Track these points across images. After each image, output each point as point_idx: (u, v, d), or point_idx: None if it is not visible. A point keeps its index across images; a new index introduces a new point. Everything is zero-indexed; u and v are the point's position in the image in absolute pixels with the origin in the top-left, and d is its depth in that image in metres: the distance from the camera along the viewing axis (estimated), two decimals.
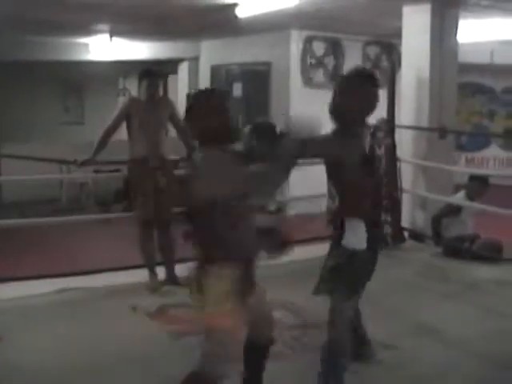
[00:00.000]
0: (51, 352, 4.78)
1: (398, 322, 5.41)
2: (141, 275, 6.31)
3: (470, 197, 7.66)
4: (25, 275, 6.60)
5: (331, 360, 3.98)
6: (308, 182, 9.93)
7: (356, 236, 3.87)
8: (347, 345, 4.02)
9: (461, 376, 4.48)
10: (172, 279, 6.33)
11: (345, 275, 3.90)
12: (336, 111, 3.99)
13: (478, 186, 7.68)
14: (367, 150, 3.97)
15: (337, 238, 3.94)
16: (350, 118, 3.98)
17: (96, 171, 10.05)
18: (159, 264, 6.38)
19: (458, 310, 5.76)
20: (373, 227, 3.93)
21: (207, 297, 3.25)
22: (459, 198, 7.83)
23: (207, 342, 3.32)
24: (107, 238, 9.62)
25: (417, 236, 8.18)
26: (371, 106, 4.04)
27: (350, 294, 3.96)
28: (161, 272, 6.35)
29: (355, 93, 3.95)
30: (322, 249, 7.65)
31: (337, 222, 3.96)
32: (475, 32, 10.14)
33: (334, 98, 4.02)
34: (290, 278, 6.29)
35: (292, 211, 9.52)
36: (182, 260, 6.65)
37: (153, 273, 6.30)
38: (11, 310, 5.62)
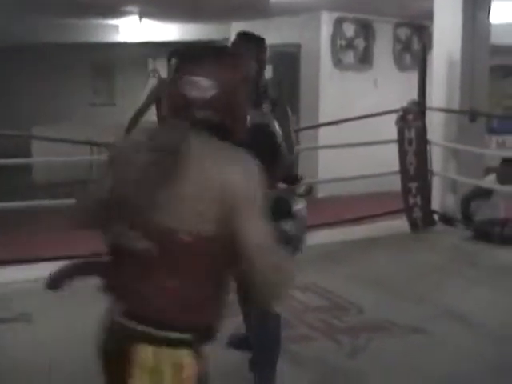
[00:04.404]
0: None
1: (426, 306, 5.38)
2: None
3: (501, 180, 7.59)
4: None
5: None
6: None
7: None
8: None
9: (485, 361, 4.45)
10: None
11: None
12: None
13: (509, 169, 7.60)
14: None
15: None
16: None
17: None
18: None
19: (486, 295, 5.71)
20: None
21: None
22: (490, 181, 7.76)
23: None
24: None
25: (447, 219, 8.11)
26: None
27: None
28: None
29: None
30: (346, 232, 7.72)
31: None
32: (508, 13, 10.02)
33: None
34: (315, 260, 6.15)
35: (320, 193, 9.50)
36: None
37: None
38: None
